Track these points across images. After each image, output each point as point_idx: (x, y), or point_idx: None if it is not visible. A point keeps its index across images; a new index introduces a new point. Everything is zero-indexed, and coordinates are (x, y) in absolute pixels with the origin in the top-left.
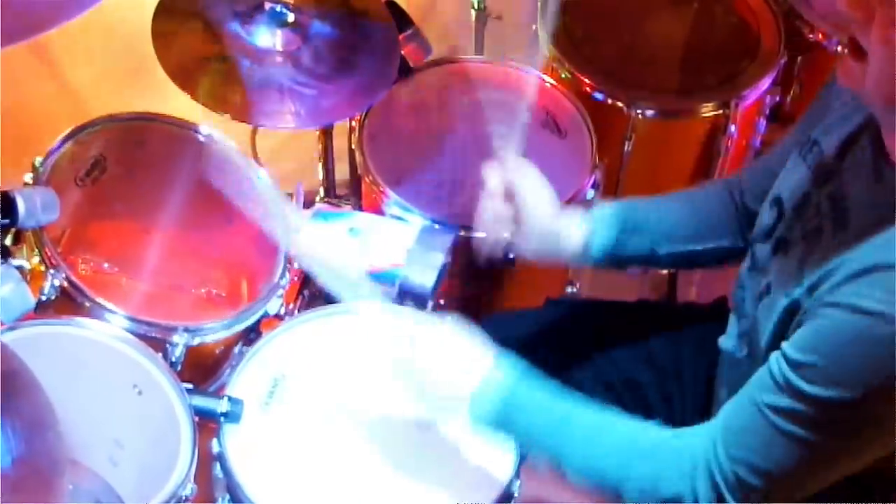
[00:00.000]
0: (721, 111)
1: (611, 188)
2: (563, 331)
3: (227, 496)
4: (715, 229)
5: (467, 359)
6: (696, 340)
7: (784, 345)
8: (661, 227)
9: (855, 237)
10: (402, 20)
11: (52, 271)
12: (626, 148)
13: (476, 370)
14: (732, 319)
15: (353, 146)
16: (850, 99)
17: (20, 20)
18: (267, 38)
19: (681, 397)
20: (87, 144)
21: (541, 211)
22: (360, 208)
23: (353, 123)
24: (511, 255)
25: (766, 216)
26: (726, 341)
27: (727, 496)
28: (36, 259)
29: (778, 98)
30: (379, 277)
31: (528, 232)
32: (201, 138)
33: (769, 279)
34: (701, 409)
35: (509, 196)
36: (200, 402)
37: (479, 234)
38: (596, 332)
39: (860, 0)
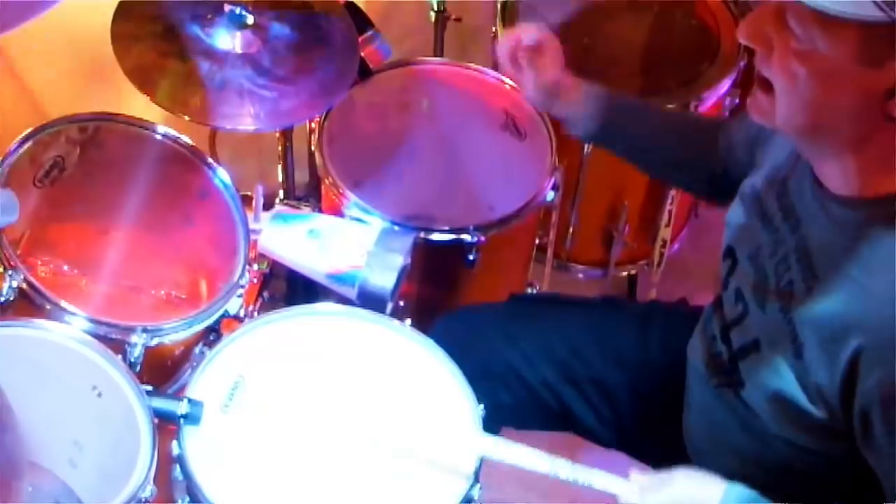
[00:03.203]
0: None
1: (570, 190)
2: (527, 327)
3: (187, 498)
4: (690, 161)
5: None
6: (664, 337)
7: None
8: (644, 138)
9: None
10: (362, 22)
11: (10, 273)
12: (585, 150)
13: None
14: (701, 329)
15: (313, 148)
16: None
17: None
18: (226, 40)
19: (650, 395)
20: (46, 145)
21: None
22: (320, 210)
23: (313, 125)
24: (471, 258)
25: (721, 264)
26: (693, 355)
27: None
28: None
29: (738, 100)
30: (338, 279)
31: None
32: (159, 138)
33: (754, 335)
34: (672, 408)
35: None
36: (160, 403)
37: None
38: (560, 328)
39: (757, 32)
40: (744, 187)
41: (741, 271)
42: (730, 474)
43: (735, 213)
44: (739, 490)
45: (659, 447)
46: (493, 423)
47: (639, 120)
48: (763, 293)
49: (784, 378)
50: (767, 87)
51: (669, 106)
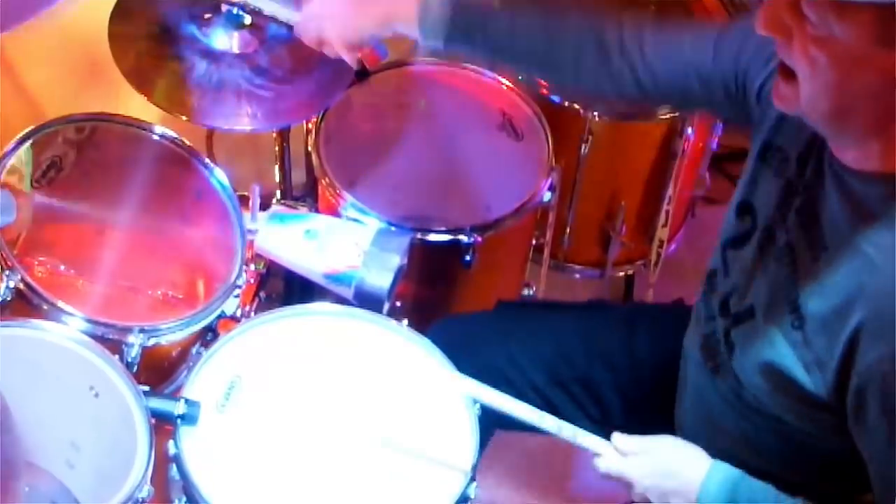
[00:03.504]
0: (678, 113)
1: (567, 191)
2: (515, 332)
3: (184, 498)
4: (573, 67)
5: (683, 473)
6: (652, 336)
7: None
8: (505, 44)
9: (836, 257)
10: None
11: (7, 273)
12: (582, 151)
13: (693, 479)
14: (696, 320)
15: (310, 148)
16: None
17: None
18: (223, 40)
19: (639, 393)
20: (43, 146)
21: None
22: (317, 210)
23: (310, 125)
24: (468, 258)
25: (734, 222)
26: (690, 344)
27: None
28: None
29: None
30: (335, 279)
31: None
32: (156, 139)
33: (750, 302)
34: (661, 404)
35: None
36: (157, 404)
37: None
38: (548, 333)
39: (777, 22)
40: (758, 133)
41: (754, 237)
42: (724, 459)
43: (748, 165)
44: (725, 468)
45: None
46: (485, 426)
47: (497, 18)
48: (767, 258)
49: (776, 347)
50: (789, 74)
51: (664, 107)
